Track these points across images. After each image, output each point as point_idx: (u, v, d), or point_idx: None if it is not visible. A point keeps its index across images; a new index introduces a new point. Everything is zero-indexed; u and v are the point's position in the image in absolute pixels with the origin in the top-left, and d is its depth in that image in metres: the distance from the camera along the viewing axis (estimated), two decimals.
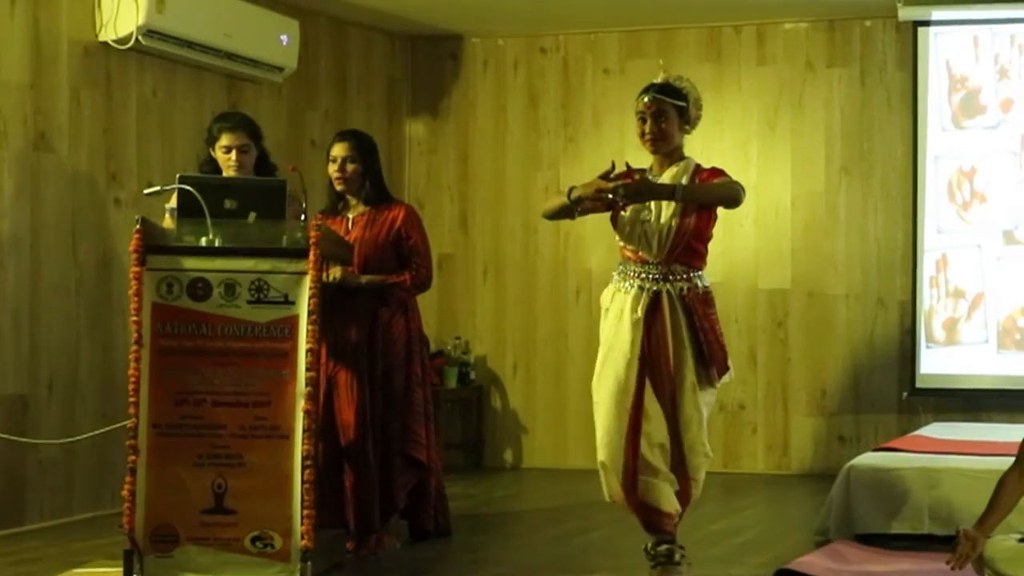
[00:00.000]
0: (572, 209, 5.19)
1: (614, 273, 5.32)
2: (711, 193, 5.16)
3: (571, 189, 5.16)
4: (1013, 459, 5.26)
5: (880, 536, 6.00)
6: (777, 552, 5.81)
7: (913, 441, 6.85)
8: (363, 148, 6.17)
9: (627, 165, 5.27)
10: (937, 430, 7.30)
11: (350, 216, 6.20)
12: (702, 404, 5.16)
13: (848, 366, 8.50)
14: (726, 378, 5.23)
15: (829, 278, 8.57)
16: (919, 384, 8.26)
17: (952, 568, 5.00)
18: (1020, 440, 5.27)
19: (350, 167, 6.13)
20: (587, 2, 8.51)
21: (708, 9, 8.57)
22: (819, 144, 8.64)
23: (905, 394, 8.30)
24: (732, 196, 5.14)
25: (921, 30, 8.33)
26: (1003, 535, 5.19)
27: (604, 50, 9.11)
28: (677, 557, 5.11)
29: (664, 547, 5.10)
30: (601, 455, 5.21)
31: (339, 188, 6.18)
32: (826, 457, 8.40)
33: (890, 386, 8.39)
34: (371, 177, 6.18)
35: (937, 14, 8.26)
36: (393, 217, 6.17)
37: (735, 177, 8.35)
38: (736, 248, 8.46)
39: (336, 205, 6.23)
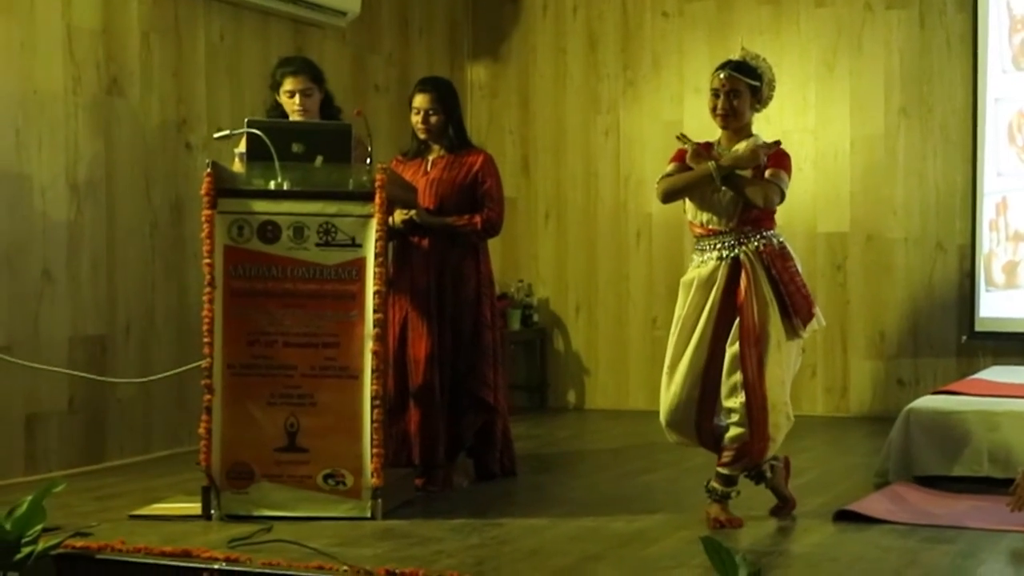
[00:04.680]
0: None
1: (692, 255, 5.40)
2: (742, 188, 5.20)
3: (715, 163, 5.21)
4: None
5: (939, 479, 6.02)
6: (837, 493, 5.85)
7: (972, 384, 6.85)
8: (445, 98, 6.24)
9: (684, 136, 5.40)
10: (996, 373, 7.30)
11: (430, 158, 6.29)
12: (786, 363, 5.24)
13: (907, 310, 8.48)
14: (813, 325, 5.31)
15: (888, 222, 8.54)
16: (978, 328, 8.22)
17: (1012, 511, 5.07)
18: None
19: (433, 119, 6.20)
20: None
21: None
22: (878, 87, 8.58)
23: (964, 337, 8.27)
24: (762, 199, 5.20)
25: None
26: None
27: None
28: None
29: (721, 488, 5.28)
30: (665, 418, 5.35)
31: (422, 137, 6.26)
32: (885, 400, 8.42)
33: (949, 329, 8.36)
34: (453, 124, 6.26)
35: None
36: (471, 162, 6.26)
37: (797, 119, 8.49)
38: (795, 192, 8.24)
39: (418, 148, 6.32)
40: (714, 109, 5.32)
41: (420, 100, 6.24)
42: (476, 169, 6.25)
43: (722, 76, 5.30)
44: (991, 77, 8.25)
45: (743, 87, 5.29)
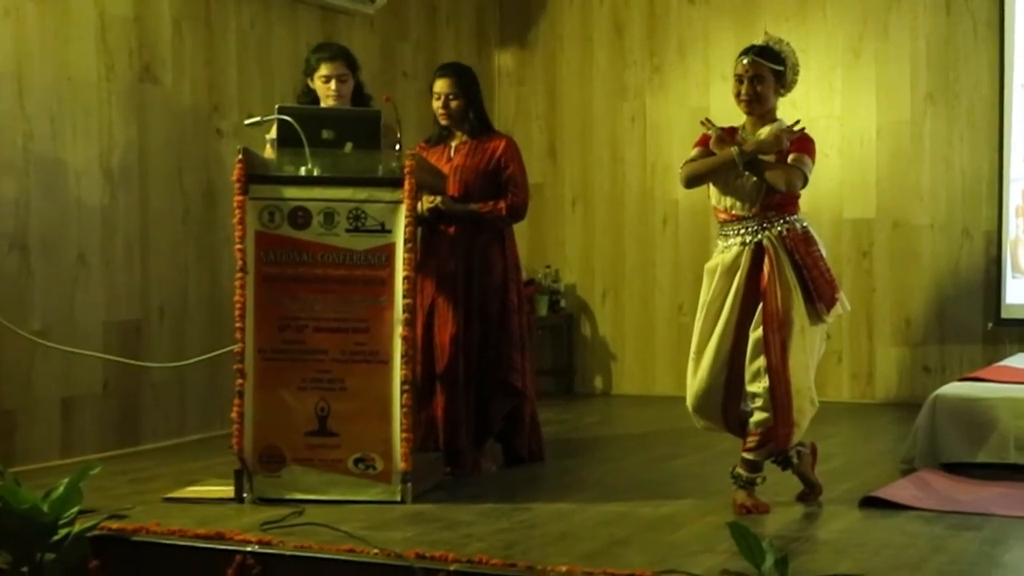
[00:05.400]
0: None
1: (717, 241, 5.44)
2: (763, 172, 5.23)
3: (738, 148, 5.24)
4: None
5: (965, 465, 6.02)
6: (863, 480, 5.86)
7: (998, 371, 6.85)
8: (465, 83, 6.26)
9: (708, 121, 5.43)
10: (1022, 360, 7.28)
11: (452, 144, 6.32)
12: (810, 348, 5.27)
13: (933, 296, 8.48)
14: (838, 309, 5.34)
15: (914, 208, 8.53)
16: (1004, 314, 8.19)
17: None
18: None
19: (454, 103, 6.24)
20: None
21: None
22: (904, 73, 8.56)
23: (990, 324, 8.25)
24: (785, 184, 5.21)
25: None
26: None
27: None
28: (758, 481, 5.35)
29: (746, 474, 5.32)
30: (691, 404, 5.40)
31: (444, 123, 6.29)
32: (911, 387, 8.42)
33: (975, 316, 8.35)
34: (474, 109, 6.29)
35: None
36: (494, 147, 6.29)
37: (823, 106, 8.48)
38: (821, 178, 8.33)
39: (441, 135, 6.35)
40: (738, 95, 5.34)
41: (440, 85, 6.26)
42: (499, 154, 6.27)
43: (745, 62, 5.31)
44: (1018, 63, 8.21)
45: (767, 72, 5.30)
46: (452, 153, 6.29)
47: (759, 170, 5.23)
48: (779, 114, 5.43)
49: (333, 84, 6.07)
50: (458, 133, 6.32)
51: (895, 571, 4.31)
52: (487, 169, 6.25)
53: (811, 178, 5.31)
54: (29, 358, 6.36)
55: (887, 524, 5.03)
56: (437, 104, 6.27)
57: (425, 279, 6.19)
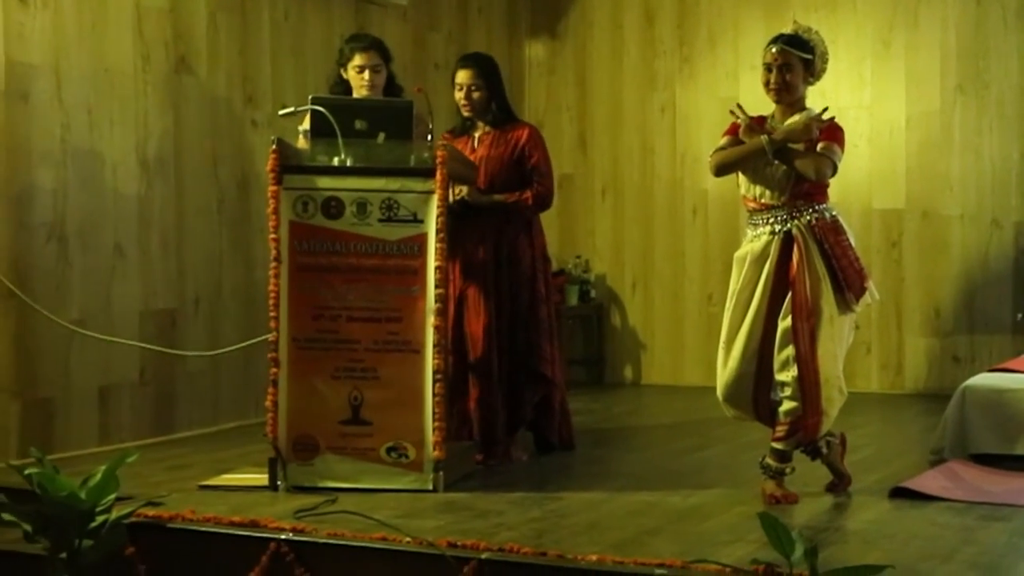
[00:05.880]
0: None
1: (746, 230, 5.45)
2: (793, 161, 5.23)
3: (767, 137, 5.24)
4: None
5: (995, 456, 6.01)
6: (892, 470, 5.87)
7: None
8: (487, 73, 6.27)
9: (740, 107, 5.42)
10: None
11: (476, 135, 6.33)
12: (839, 337, 5.28)
13: (962, 287, 8.47)
14: (866, 299, 5.35)
15: (944, 198, 8.51)
16: None
17: None
18: None
19: (476, 94, 6.25)
20: None
21: None
22: (934, 63, 8.53)
23: (1020, 315, 8.23)
24: (814, 172, 5.21)
25: None
26: None
27: None
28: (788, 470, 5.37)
29: (775, 464, 5.34)
30: (722, 393, 5.41)
31: (466, 114, 6.31)
32: (940, 377, 8.41)
33: (1004, 307, 8.34)
34: (496, 100, 6.30)
35: None
36: (517, 137, 6.29)
37: (852, 96, 8.46)
38: (850, 168, 8.28)
39: (464, 125, 6.37)
40: (767, 83, 5.33)
41: (462, 76, 6.28)
42: (522, 144, 6.28)
43: (774, 50, 5.31)
44: None
45: (795, 61, 5.29)
46: (476, 144, 6.31)
47: (788, 158, 5.23)
48: (808, 103, 5.43)
49: (367, 74, 6.09)
50: (481, 124, 6.33)
51: (925, 562, 4.33)
52: (511, 159, 6.26)
53: (840, 167, 5.31)
54: (67, 347, 6.43)
55: (916, 515, 5.04)
56: (459, 95, 6.28)
57: (454, 269, 6.21)
